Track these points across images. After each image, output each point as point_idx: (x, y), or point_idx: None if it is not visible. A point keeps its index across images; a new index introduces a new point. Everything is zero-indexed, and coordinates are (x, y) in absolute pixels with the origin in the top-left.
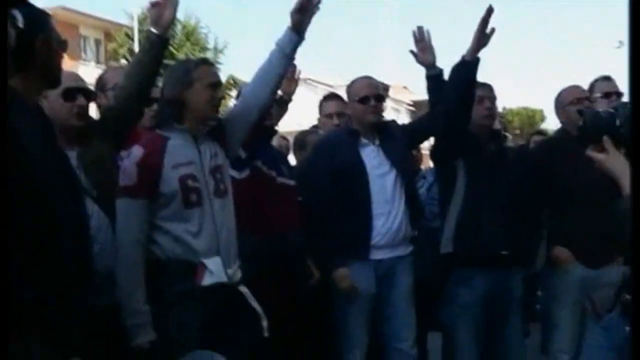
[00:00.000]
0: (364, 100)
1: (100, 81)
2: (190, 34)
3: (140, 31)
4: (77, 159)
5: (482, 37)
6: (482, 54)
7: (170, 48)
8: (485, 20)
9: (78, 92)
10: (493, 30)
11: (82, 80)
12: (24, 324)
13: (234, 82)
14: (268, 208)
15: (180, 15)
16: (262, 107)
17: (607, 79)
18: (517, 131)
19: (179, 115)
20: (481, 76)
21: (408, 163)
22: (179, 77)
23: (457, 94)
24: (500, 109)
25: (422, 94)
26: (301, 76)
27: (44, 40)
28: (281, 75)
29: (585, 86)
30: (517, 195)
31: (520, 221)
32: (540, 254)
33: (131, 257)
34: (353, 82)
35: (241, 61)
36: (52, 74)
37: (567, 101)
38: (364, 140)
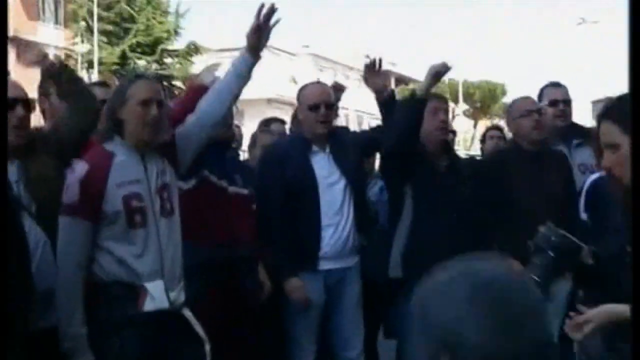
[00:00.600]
0: (313, 108)
1: (44, 85)
2: None
3: None
4: (17, 172)
5: (435, 76)
6: (446, 28)
7: (131, 11)
8: (439, 69)
9: (16, 102)
10: (448, 68)
11: (22, 89)
12: None
13: (194, 48)
14: (216, 219)
15: None
16: (216, 125)
17: (555, 85)
18: (478, 104)
19: (121, 132)
20: (443, 51)
21: (359, 171)
22: (116, 93)
23: (406, 126)
24: (461, 81)
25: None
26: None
27: None
28: (236, 95)
29: (546, 61)
30: (468, 211)
31: (471, 239)
32: None
33: (71, 280)
34: (304, 87)
35: (202, 26)
36: None
37: (518, 114)
38: (314, 148)
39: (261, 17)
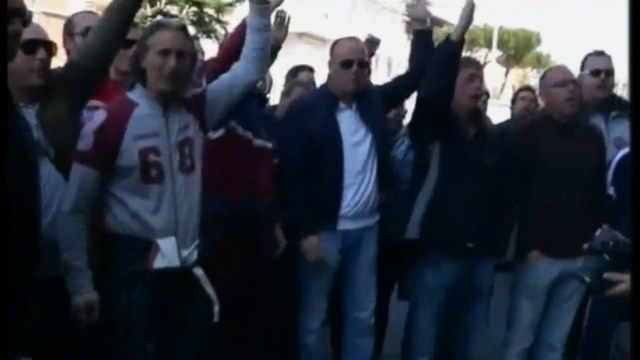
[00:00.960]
0: (345, 64)
1: (69, 24)
2: None
3: None
4: (36, 116)
5: (469, 15)
6: None
7: None
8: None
9: (39, 44)
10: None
11: (43, 32)
12: None
13: None
14: (239, 172)
15: None
16: (249, 84)
17: (599, 54)
18: (512, 52)
19: (144, 82)
20: None
21: (384, 128)
22: (139, 41)
23: (443, 76)
24: (497, 28)
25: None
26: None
27: None
28: (262, 50)
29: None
30: (493, 182)
31: (493, 211)
32: (511, 244)
33: (68, 225)
34: (337, 42)
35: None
36: None
37: (552, 82)
38: (341, 105)
39: None
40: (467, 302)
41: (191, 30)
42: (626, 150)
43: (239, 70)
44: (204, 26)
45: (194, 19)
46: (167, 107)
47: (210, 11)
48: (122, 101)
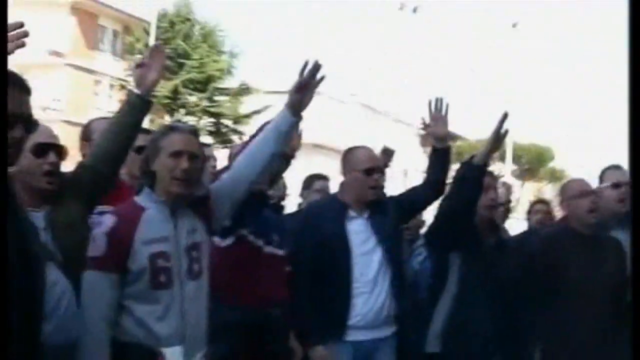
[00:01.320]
0: (368, 172)
1: (86, 130)
2: (208, 36)
3: (158, 27)
4: (45, 219)
5: (497, 141)
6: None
7: (187, 48)
8: (500, 126)
9: (50, 148)
10: (506, 132)
11: (54, 136)
12: None
13: (246, 88)
14: (251, 279)
15: (199, 15)
16: (252, 184)
17: (617, 167)
18: (526, 166)
19: (153, 186)
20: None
21: (398, 239)
22: (150, 144)
23: (467, 195)
24: (510, 143)
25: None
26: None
27: None
28: (274, 155)
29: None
30: (513, 292)
31: (514, 325)
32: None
33: (98, 337)
34: (353, 150)
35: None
36: None
37: (573, 194)
38: (352, 213)
39: (305, 73)
40: None
41: (208, 140)
42: None
43: (243, 169)
44: (221, 136)
45: (212, 129)
46: (175, 211)
47: (227, 122)
48: (131, 205)
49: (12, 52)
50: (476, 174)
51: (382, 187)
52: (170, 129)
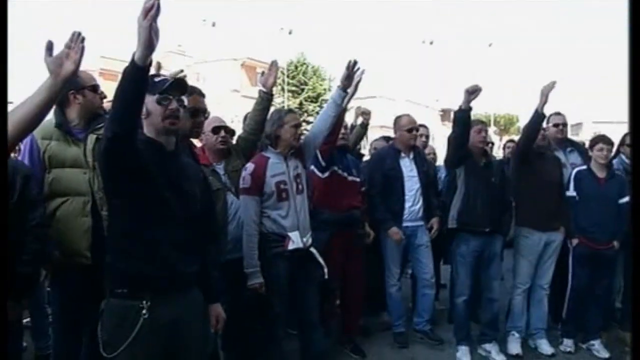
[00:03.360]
0: (410, 130)
1: (245, 120)
2: (316, 71)
3: (287, 69)
4: (224, 168)
5: (473, 93)
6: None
7: (305, 79)
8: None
9: (220, 128)
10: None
11: (223, 121)
12: None
13: None
14: (340, 195)
15: (310, 60)
16: (323, 137)
17: (557, 113)
18: (502, 127)
19: (275, 143)
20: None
21: (428, 170)
22: (275, 119)
23: (456, 130)
24: (492, 113)
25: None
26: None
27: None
28: (335, 117)
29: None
30: (498, 191)
31: (499, 207)
32: (512, 227)
33: (250, 231)
34: (400, 117)
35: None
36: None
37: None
38: (402, 155)
39: (349, 67)
40: (488, 263)
41: None
42: (578, 168)
43: (317, 126)
44: None
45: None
46: (285, 157)
47: None
48: (261, 157)
49: (78, 62)
50: (461, 115)
51: (417, 139)
52: (290, 110)
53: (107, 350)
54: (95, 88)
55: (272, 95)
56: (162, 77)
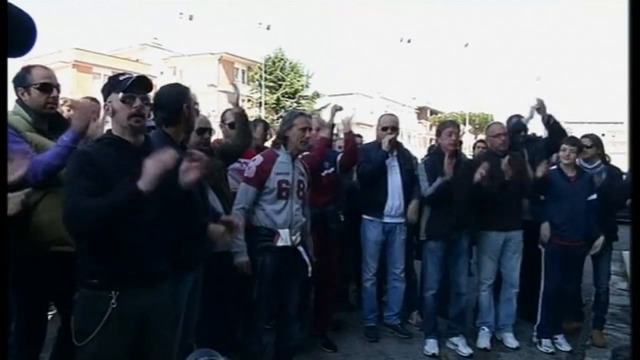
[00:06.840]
0: (384, 129)
1: (223, 116)
2: (294, 67)
3: (265, 64)
4: None
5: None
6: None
7: (283, 75)
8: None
9: (205, 130)
10: None
11: (208, 122)
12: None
13: (317, 94)
14: (315, 192)
15: (288, 56)
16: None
17: (518, 115)
18: (477, 125)
19: (285, 144)
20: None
21: (411, 167)
22: (286, 120)
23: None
24: (467, 112)
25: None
26: None
27: (187, 106)
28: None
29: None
30: (467, 192)
31: (468, 209)
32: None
33: (240, 212)
34: (381, 116)
35: (320, 78)
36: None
37: (492, 134)
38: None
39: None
40: (455, 259)
41: None
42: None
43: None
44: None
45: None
46: (294, 159)
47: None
48: (271, 152)
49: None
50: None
51: (396, 136)
52: (301, 114)
53: (78, 339)
54: (44, 87)
55: (243, 112)
56: (126, 76)
